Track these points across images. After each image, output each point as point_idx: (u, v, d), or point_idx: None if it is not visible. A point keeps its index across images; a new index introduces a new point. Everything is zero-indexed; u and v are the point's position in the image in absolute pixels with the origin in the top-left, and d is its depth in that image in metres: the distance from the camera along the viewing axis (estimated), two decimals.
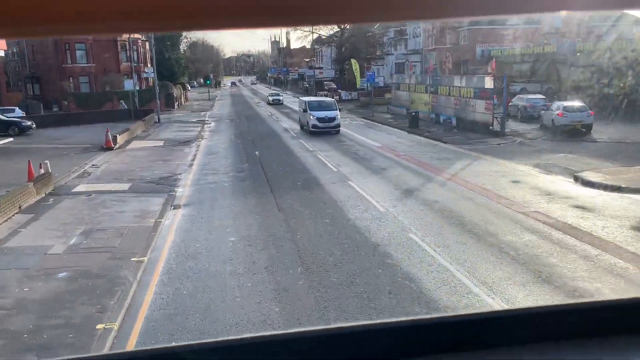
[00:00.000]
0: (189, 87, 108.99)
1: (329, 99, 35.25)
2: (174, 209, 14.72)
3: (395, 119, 37.35)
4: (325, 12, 0.48)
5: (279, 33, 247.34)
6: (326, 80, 77.00)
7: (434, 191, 15.69)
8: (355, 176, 18.06)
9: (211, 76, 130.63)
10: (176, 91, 52.86)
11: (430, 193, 15.44)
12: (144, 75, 43.92)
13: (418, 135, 29.00)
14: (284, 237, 11.76)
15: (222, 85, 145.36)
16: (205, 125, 37.47)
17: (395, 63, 70.98)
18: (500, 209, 13.40)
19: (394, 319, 1.32)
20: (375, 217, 12.92)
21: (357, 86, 51.69)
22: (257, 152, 24.15)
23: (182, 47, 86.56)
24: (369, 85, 48.19)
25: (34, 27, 0.45)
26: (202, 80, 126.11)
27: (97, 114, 39.98)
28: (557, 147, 22.84)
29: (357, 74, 51.78)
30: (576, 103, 26.46)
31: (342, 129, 31.05)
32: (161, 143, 28.20)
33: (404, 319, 1.31)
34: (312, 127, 29.45)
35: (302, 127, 32.14)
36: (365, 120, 38.20)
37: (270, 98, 60.02)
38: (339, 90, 61.90)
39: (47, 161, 17.10)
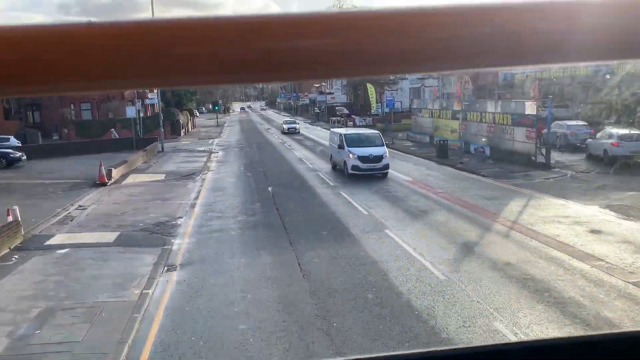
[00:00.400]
0: (197, 113, 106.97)
1: (372, 131, 27.51)
2: (167, 271, 11.43)
3: (418, 147, 34.14)
4: (328, 69, 0.50)
5: None
6: (338, 106, 74.28)
7: (499, 246, 12.30)
8: (392, 222, 14.72)
9: (220, 102, 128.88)
10: (183, 118, 50.17)
11: (496, 249, 12.04)
12: (148, 101, 41.16)
13: (449, 166, 25.72)
14: (312, 324, 8.40)
15: (231, 111, 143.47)
16: (212, 155, 34.42)
17: (410, 88, 68.21)
18: (600, 277, 9.98)
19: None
20: (435, 290, 9.54)
21: (373, 111, 48.66)
22: (269, 188, 20.92)
23: None
24: (386, 110, 45.26)
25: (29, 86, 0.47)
26: (210, 106, 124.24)
27: (97, 144, 37.10)
28: (621, 184, 19.42)
29: (373, 98, 48.87)
30: (635, 131, 23.12)
31: None
32: (162, 177, 25.08)
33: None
34: (352, 169, 22.34)
35: (334, 166, 24.99)
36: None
37: (285, 126, 53.02)
38: (353, 116, 59.01)
39: (15, 207, 13.91)
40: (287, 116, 75.17)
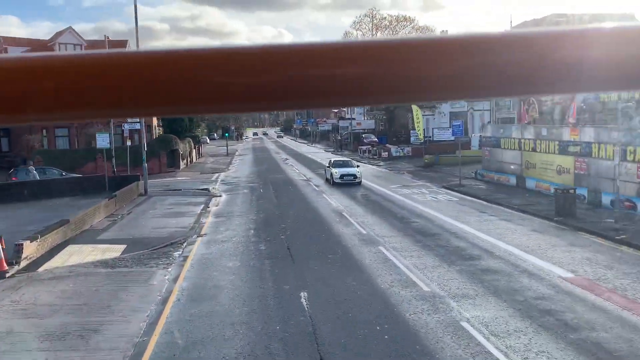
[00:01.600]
0: (208, 140, 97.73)
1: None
2: None
3: (500, 191, 23.75)
4: (343, 97, 0.50)
5: None
6: (364, 132, 64.22)
7: None
8: None
9: (232, 128, 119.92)
10: (183, 147, 40.58)
11: None
12: (127, 126, 31.15)
13: (593, 234, 15.26)
14: None
15: (244, 137, 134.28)
16: (212, 201, 24.31)
17: (451, 112, 57.99)
18: None
19: None
20: None
21: (420, 139, 38.37)
22: (303, 295, 10.64)
23: None
24: (427, 137, 35.11)
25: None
26: (221, 133, 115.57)
27: (62, 183, 27.17)
28: None
29: (420, 123, 38.53)
30: None
31: (438, 214, 17.63)
32: (118, 252, 14.80)
33: None
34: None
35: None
36: (455, 194, 24.51)
37: (336, 173, 28.51)
38: (387, 145, 48.81)
39: None
40: (331, 151, 61.85)
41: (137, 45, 24.06)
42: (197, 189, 28.30)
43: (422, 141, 38.64)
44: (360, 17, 50.02)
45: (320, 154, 58.70)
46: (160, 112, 0.49)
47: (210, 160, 50.34)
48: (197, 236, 16.71)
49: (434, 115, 60.33)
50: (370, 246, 14.64)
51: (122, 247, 15.21)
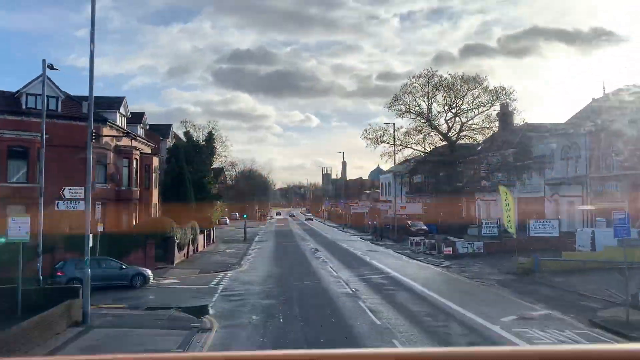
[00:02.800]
0: (228, 221, 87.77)
1: None
2: None
3: None
4: None
5: (332, 164, 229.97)
6: (412, 219, 52.97)
7: None
8: None
9: (256, 208, 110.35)
10: (182, 233, 30.11)
11: None
12: (63, 204, 20.45)
13: None
14: None
15: (268, 217, 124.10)
16: (194, 342, 13.33)
17: (519, 198, 46.83)
18: None
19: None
20: None
21: (512, 232, 26.85)
22: None
23: (221, 163, 66.26)
24: (506, 230, 23.87)
25: None
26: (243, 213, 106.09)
27: None
28: None
29: (511, 213, 27.08)
30: None
31: None
32: None
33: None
34: None
35: None
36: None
37: None
38: (449, 238, 37.38)
39: None
40: (369, 239, 50.84)
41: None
42: (179, 310, 17.34)
43: (512, 234, 27.19)
44: (413, 78, 40.07)
45: (357, 242, 47.56)
46: None
47: (221, 249, 39.69)
48: None
49: (495, 201, 49.27)
50: None
51: None
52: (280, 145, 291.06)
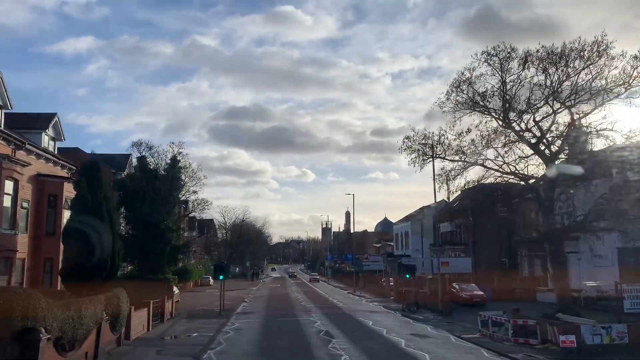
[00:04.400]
0: (211, 281, 72.14)
1: None
2: None
3: None
4: None
5: (330, 220, 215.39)
6: (456, 281, 37.75)
7: None
8: None
9: (247, 265, 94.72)
10: (67, 323, 15.20)
11: None
12: None
13: None
14: None
15: (262, 276, 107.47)
16: None
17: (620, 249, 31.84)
18: None
19: None
20: None
21: None
22: None
23: (195, 206, 51.99)
24: None
25: None
26: (241, 270, 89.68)
27: None
28: None
29: None
30: None
31: None
32: None
33: None
34: None
35: None
36: None
37: None
38: (560, 317, 22.09)
39: None
40: (400, 310, 33.27)
41: None
42: None
43: None
44: (482, 55, 23.75)
45: (382, 316, 32.11)
46: None
47: (170, 335, 24.13)
48: None
49: (577, 253, 34.10)
50: None
51: None
52: (277, 200, 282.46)
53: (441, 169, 25.31)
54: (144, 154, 33.94)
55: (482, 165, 24.37)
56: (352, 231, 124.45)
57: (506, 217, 52.20)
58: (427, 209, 71.48)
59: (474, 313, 30.58)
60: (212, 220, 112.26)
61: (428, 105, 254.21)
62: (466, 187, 24.72)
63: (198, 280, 67.39)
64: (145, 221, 30.80)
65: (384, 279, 56.46)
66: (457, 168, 24.47)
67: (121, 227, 32.72)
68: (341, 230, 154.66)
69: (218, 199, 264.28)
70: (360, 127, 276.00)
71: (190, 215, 51.40)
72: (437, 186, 24.89)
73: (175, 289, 42.87)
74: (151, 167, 33.67)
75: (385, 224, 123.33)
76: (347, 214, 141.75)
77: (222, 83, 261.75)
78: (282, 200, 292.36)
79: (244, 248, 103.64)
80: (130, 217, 31.63)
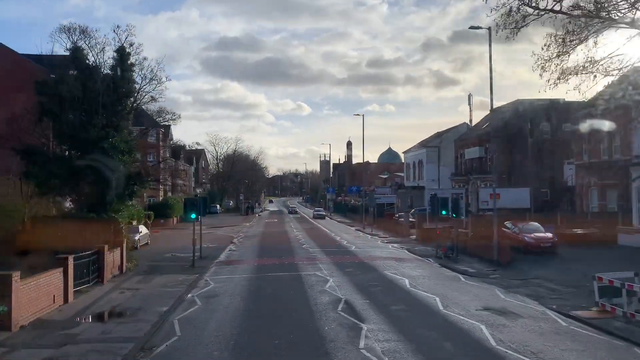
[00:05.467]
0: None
1: None
2: None
3: None
4: None
5: (327, 152, 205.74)
6: (509, 219, 28.77)
7: None
8: None
9: (240, 198, 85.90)
10: None
11: None
12: None
13: None
14: None
15: (259, 209, 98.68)
16: None
17: None
18: None
19: None
20: None
21: None
22: None
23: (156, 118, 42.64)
24: None
25: None
26: (243, 200, 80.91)
27: None
28: None
29: None
30: None
31: None
32: None
33: None
34: None
35: None
36: None
37: None
38: None
39: None
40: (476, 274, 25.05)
41: None
42: None
43: None
44: None
45: (421, 272, 23.07)
46: None
47: (92, 314, 15.15)
48: None
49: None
50: None
51: None
52: (273, 134, 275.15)
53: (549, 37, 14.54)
54: (79, 44, 23.63)
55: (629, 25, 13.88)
56: (362, 159, 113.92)
57: (556, 138, 42.72)
58: (447, 133, 61.86)
59: (543, 264, 21.73)
60: (202, 150, 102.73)
61: (425, 35, 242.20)
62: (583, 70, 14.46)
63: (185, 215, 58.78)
64: (79, 138, 21.16)
65: (398, 214, 47.75)
66: (577, 30, 14.15)
67: (51, 148, 23.22)
68: (341, 162, 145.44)
69: (214, 133, 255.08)
70: (355, 58, 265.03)
71: (145, 130, 41.16)
72: (535, 67, 14.32)
73: (142, 228, 34.00)
74: (90, 63, 23.58)
75: (390, 154, 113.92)
76: (349, 143, 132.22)
77: (213, 12, 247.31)
78: (279, 134, 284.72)
79: (238, 179, 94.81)
80: (59, 132, 21.97)
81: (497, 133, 46.44)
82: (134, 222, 37.73)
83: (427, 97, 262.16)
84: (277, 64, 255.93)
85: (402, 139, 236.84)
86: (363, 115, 69.44)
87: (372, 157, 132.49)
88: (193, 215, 23.94)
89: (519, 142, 45.13)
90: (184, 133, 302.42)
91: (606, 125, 26.34)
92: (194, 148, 74.77)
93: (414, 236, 38.10)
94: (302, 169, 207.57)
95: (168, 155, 62.18)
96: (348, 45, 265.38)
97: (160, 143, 59.19)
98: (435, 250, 27.47)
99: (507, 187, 41.64)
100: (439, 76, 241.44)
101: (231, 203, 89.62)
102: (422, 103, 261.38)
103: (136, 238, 30.71)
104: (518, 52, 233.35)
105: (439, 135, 64.28)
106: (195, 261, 24.26)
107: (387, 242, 35.95)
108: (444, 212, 27.47)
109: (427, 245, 30.95)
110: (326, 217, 64.30)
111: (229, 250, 31.10)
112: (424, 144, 64.68)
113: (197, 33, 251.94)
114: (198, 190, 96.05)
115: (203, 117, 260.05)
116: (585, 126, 28.78)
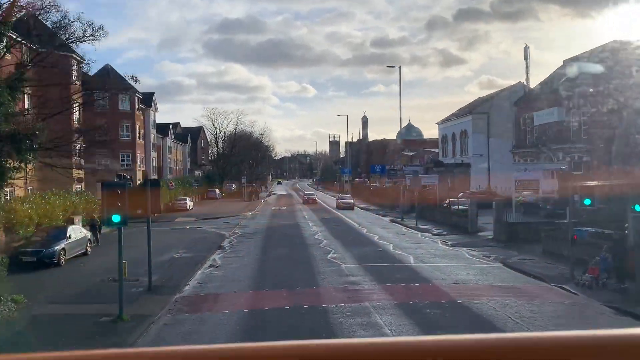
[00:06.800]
0: (189, 204, 51.44)
1: None
2: None
3: None
4: None
5: (336, 133, 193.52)
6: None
7: None
8: None
9: (242, 181, 73.39)
10: None
11: None
12: None
13: None
14: None
15: (265, 193, 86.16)
16: None
17: None
18: None
19: None
20: None
21: None
22: None
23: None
24: None
25: None
26: (245, 181, 68.96)
27: None
28: None
29: None
30: None
31: None
32: None
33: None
34: None
35: None
36: None
37: None
38: None
39: None
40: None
41: None
42: None
43: None
44: None
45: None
46: None
47: None
48: None
49: None
50: None
51: None
52: (278, 116, 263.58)
53: None
54: None
55: None
56: (367, 141, 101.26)
57: None
58: (499, 97, 48.88)
59: None
60: (201, 128, 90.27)
61: (430, 13, 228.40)
62: None
63: (171, 203, 46.72)
64: None
65: (449, 200, 35.21)
66: None
67: None
68: (353, 140, 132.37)
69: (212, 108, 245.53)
70: (359, 38, 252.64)
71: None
72: None
73: (76, 231, 21.83)
74: None
75: (409, 130, 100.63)
76: (365, 120, 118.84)
77: None
78: (284, 116, 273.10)
79: (241, 160, 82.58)
80: None
81: (585, 86, 33.60)
82: (77, 220, 25.69)
83: (434, 77, 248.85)
84: (280, 45, 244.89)
85: (412, 119, 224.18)
86: (400, 67, 56.52)
87: (386, 137, 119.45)
88: (116, 219, 11.52)
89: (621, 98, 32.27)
90: (188, 117, 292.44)
91: None
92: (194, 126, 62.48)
93: (488, 233, 25.84)
94: (310, 149, 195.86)
95: (152, 129, 49.92)
96: (351, 26, 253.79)
97: (138, 113, 46.68)
98: (571, 271, 15.10)
99: (609, 162, 29.17)
100: (445, 54, 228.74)
101: (233, 187, 77.47)
102: (428, 83, 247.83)
103: (58, 248, 18.66)
104: (524, 30, 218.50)
105: (486, 99, 51.37)
106: (137, 299, 12.08)
107: (453, 245, 23.58)
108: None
109: (521, 251, 19.24)
110: (355, 208, 50.18)
111: (210, 267, 18.81)
112: (468, 110, 51.71)
113: (198, 15, 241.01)
114: (196, 173, 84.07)
115: (208, 101, 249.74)
116: None
